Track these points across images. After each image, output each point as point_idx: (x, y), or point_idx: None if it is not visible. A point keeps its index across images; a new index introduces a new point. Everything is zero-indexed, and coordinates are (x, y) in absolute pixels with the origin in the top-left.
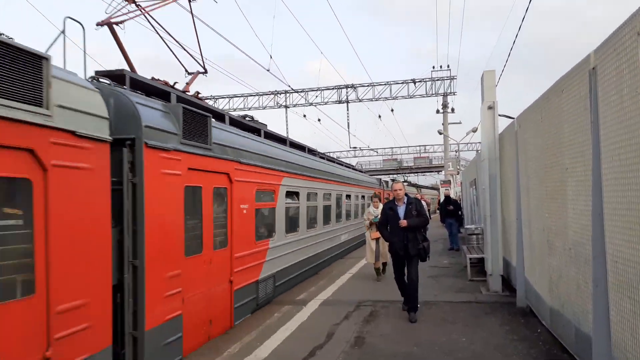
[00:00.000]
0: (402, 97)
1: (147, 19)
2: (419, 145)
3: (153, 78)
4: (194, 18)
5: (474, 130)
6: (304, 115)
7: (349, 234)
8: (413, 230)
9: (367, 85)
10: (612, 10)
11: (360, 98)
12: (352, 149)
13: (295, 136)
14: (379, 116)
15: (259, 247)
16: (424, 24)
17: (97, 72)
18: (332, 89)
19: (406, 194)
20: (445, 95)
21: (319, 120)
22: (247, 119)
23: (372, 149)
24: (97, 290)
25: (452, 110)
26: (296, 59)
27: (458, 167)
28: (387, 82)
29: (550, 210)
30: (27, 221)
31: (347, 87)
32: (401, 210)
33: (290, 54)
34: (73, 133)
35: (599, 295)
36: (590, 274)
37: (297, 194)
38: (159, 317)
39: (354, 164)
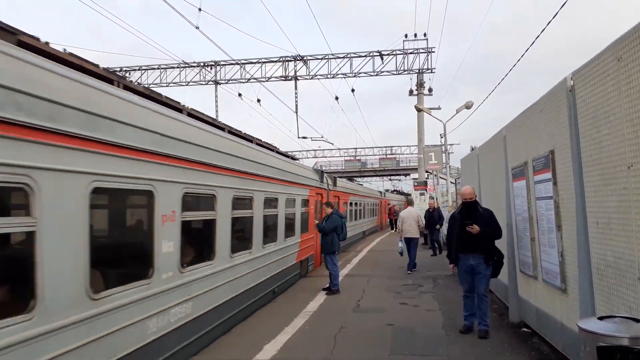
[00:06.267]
0: (365, 73)
1: None
2: (386, 147)
3: None
4: None
5: (468, 107)
6: (239, 94)
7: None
8: None
9: (322, 58)
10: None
11: (311, 74)
12: (301, 137)
13: (227, 121)
14: (336, 98)
15: None
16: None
17: None
18: (276, 61)
19: None
20: (420, 72)
21: (258, 101)
22: None
23: (326, 141)
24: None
25: (430, 90)
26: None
27: (445, 160)
28: (347, 54)
29: None
30: None
31: (295, 59)
32: None
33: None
34: None
35: None
36: None
37: None
38: None
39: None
